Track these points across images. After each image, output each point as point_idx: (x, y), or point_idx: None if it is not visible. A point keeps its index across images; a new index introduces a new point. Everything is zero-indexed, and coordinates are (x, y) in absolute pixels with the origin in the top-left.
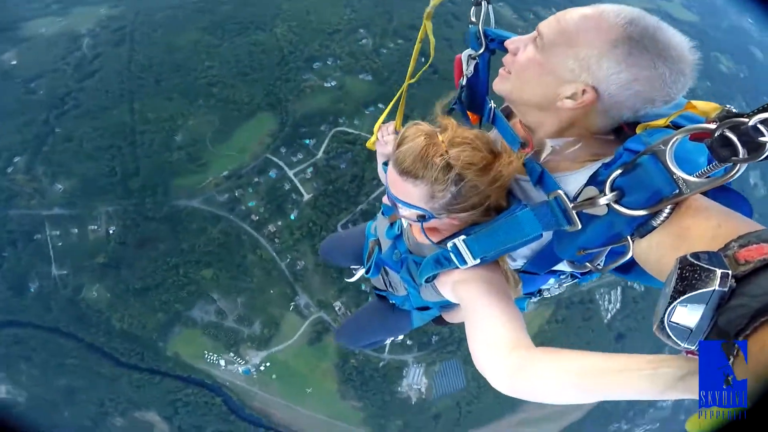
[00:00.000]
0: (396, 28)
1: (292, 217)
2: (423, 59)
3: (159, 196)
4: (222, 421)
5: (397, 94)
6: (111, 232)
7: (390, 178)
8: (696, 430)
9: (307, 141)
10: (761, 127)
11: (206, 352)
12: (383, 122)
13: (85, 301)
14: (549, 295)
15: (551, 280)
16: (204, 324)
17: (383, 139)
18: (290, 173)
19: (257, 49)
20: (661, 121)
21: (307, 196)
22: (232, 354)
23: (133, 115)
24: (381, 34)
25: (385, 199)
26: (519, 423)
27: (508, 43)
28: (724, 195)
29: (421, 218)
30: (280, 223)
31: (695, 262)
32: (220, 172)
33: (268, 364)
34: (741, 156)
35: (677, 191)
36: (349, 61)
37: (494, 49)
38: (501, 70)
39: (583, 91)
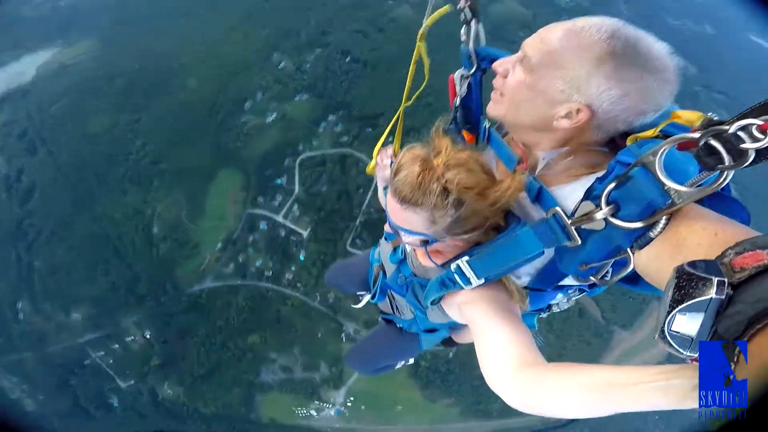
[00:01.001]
0: (307, 39)
1: (302, 258)
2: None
3: (171, 291)
4: None
5: (394, 118)
6: (148, 336)
7: (390, 207)
8: None
9: (279, 181)
10: (741, 134)
11: (294, 408)
12: (382, 146)
13: (167, 400)
14: (558, 310)
15: (559, 295)
16: (278, 384)
17: (382, 163)
18: (279, 219)
19: (179, 110)
20: (649, 132)
21: (305, 233)
22: (317, 402)
23: (98, 222)
24: (296, 52)
25: (387, 227)
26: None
27: (496, 66)
28: (721, 202)
29: (425, 243)
30: (293, 268)
31: (692, 271)
32: (214, 245)
33: (352, 398)
34: (727, 163)
35: (670, 202)
36: (278, 88)
37: (486, 68)
38: (493, 94)
39: (578, 111)
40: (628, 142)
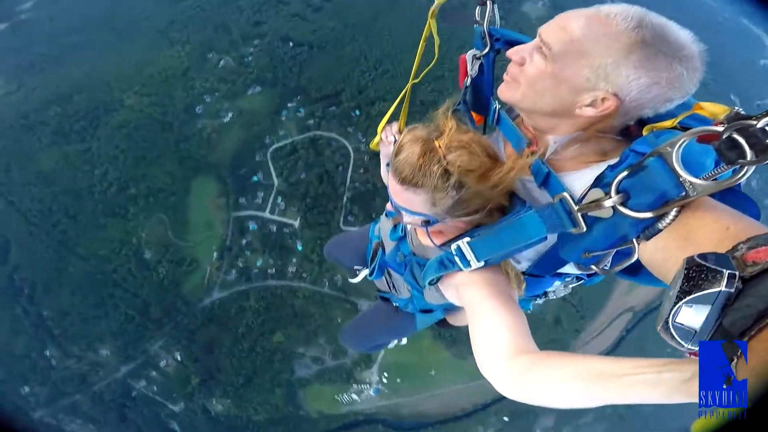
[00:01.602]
0: (241, 34)
1: (299, 248)
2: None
3: (184, 309)
4: None
5: (401, 95)
6: (179, 358)
7: (391, 187)
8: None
9: (255, 178)
10: None
11: (336, 396)
12: (387, 122)
13: (221, 414)
14: (554, 297)
15: (557, 282)
16: (314, 376)
17: (387, 139)
18: (266, 215)
19: (129, 130)
20: (668, 123)
21: (296, 223)
22: (354, 385)
23: (87, 261)
24: (232, 48)
25: (389, 206)
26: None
27: (511, 53)
28: (733, 197)
29: (425, 223)
30: (294, 260)
31: (702, 262)
32: (210, 257)
33: (385, 374)
34: (749, 158)
35: (684, 194)
36: (226, 87)
37: (499, 49)
38: (506, 77)
39: (603, 99)
40: (645, 131)
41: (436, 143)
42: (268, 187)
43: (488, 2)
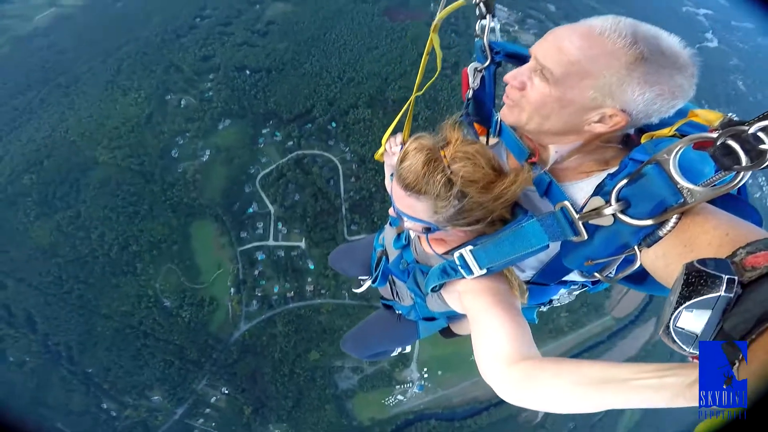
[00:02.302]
0: (193, 71)
1: (311, 266)
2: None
3: (217, 346)
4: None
5: (405, 107)
6: (227, 392)
7: (394, 192)
8: None
9: (250, 210)
10: (762, 135)
11: (383, 401)
12: (391, 134)
13: None
14: (558, 304)
15: (561, 290)
16: (357, 385)
17: (391, 150)
18: (271, 243)
19: (113, 188)
20: (665, 131)
21: (302, 244)
22: (398, 386)
23: (112, 320)
24: (188, 85)
25: (391, 211)
26: None
27: (509, 78)
28: (733, 203)
29: (427, 230)
30: (309, 279)
31: (701, 268)
32: (227, 293)
33: (425, 369)
34: (743, 164)
35: (682, 201)
36: (195, 126)
37: (500, 61)
38: (507, 101)
39: (611, 115)
40: (643, 139)
41: (442, 153)
42: (265, 216)
43: (488, 16)
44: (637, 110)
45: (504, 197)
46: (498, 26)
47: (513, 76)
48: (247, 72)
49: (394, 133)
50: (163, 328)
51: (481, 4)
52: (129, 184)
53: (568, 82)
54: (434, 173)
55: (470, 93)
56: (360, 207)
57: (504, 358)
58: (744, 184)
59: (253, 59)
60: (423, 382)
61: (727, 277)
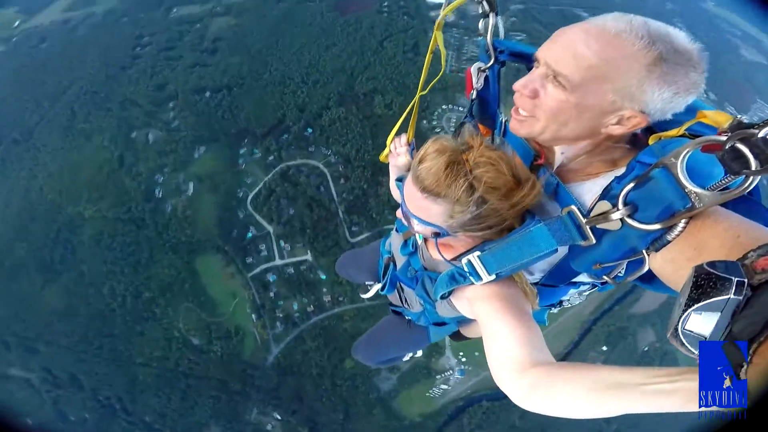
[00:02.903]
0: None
1: (323, 277)
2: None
3: (256, 373)
4: (510, 411)
5: (409, 106)
6: (279, 417)
7: (407, 192)
8: None
9: (249, 234)
10: None
11: (427, 393)
12: (396, 134)
13: None
14: (569, 305)
15: (571, 290)
16: (398, 384)
17: (396, 151)
18: (278, 262)
19: (107, 242)
20: (673, 131)
21: (308, 256)
22: (438, 376)
23: (149, 366)
24: (151, 118)
25: (398, 213)
26: None
27: (519, 87)
28: (745, 204)
29: (436, 235)
30: (324, 289)
31: (711, 270)
32: (250, 320)
33: (461, 353)
34: (753, 168)
35: (690, 205)
36: (171, 159)
37: (504, 61)
38: (517, 115)
39: (630, 117)
40: (651, 140)
41: (464, 156)
42: (265, 236)
43: (491, 15)
44: (655, 110)
45: (520, 205)
46: (501, 24)
47: (523, 84)
48: (207, 93)
49: (398, 133)
50: (200, 365)
51: (484, 2)
52: (122, 234)
53: (586, 87)
54: (457, 177)
55: (474, 93)
56: (356, 207)
57: (516, 364)
58: (756, 184)
59: (210, 79)
60: (463, 367)
61: (736, 279)
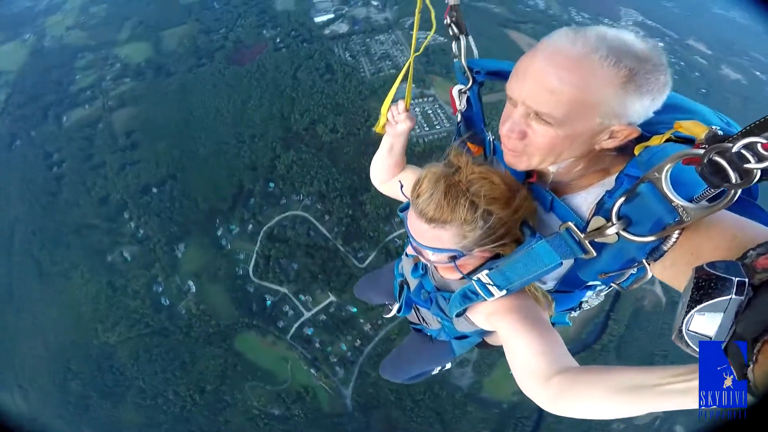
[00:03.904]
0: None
1: (354, 310)
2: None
3: (343, 420)
4: None
5: (403, 70)
6: None
7: (414, 228)
8: None
9: (268, 302)
10: (745, 153)
11: (510, 372)
12: (391, 102)
13: None
14: (588, 307)
15: (588, 293)
16: (475, 374)
17: (395, 119)
18: (308, 315)
19: (145, 357)
20: (657, 139)
21: (331, 297)
22: None
23: None
24: (113, 236)
25: (409, 249)
26: None
27: (506, 132)
28: (740, 205)
29: (452, 259)
30: (361, 320)
31: (711, 271)
32: (311, 376)
33: None
34: (734, 182)
35: (678, 219)
36: (157, 268)
37: (482, 81)
38: (510, 151)
39: (619, 131)
40: (636, 150)
41: (456, 178)
42: (284, 298)
43: (461, 36)
44: (639, 117)
45: (521, 210)
46: (474, 44)
47: (510, 129)
48: (154, 190)
49: (395, 101)
50: (293, 431)
51: (452, 26)
52: (155, 346)
53: (572, 119)
54: (457, 199)
55: (458, 116)
56: (351, 234)
57: (539, 375)
58: (756, 185)
59: (148, 174)
60: None
61: (737, 279)
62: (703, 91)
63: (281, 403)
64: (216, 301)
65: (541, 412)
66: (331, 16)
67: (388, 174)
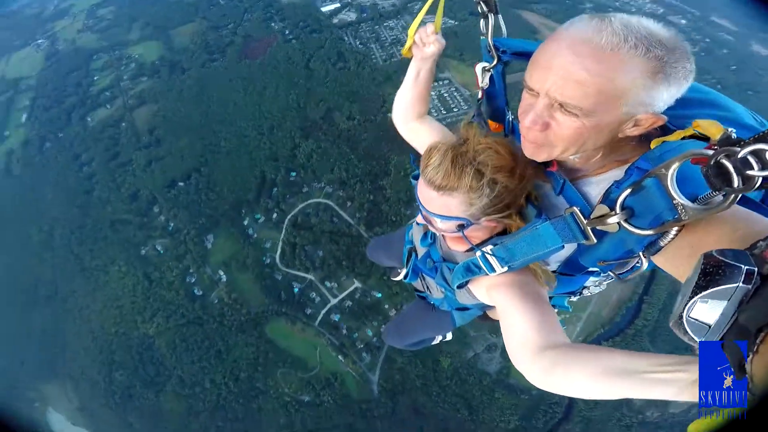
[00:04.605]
0: (135, 213)
1: (379, 295)
2: None
3: (371, 405)
4: None
5: None
6: None
7: (423, 196)
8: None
9: (296, 290)
10: (750, 159)
11: None
12: (419, 25)
13: None
14: (589, 294)
15: (591, 279)
16: (503, 358)
17: (421, 41)
18: (334, 301)
19: (184, 347)
20: (674, 135)
21: (356, 283)
22: None
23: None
24: (146, 231)
25: (419, 218)
26: None
27: (529, 124)
28: (741, 198)
29: (460, 227)
30: (386, 306)
31: (720, 258)
32: (338, 362)
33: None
34: (736, 186)
35: (677, 216)
36: (188, 259)
37: (507, 61)
38: (530, 143)
39: (644, 119)
40: (653, 144)
41: (464, 148)
42: (311, 285)
43: (490, 15)
44: (665, 105)
45: (526, 179)
46: (503, 23)
47: (533, 120)
48: (180, 183)
49: (423, 24)
50: (322, 418)
51: (482, 2)
52: (191, 336)
53: (599, 110)
54: (464, 168)
55: (480, 93)
56: (373, 219)
57: (531, 346)
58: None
59: (172, 169)
60: (565, 315)
61: (746, 268)
62: (734, 67)
63: (311, 390)
64: (246, 289)
65: (571, 399)
66: (338, 5)
67: (410, 109)
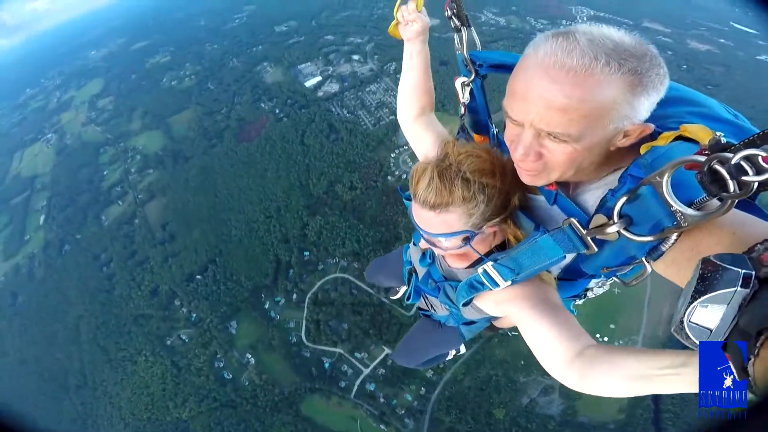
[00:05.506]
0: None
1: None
2: None
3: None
4: None
5: None
6: None
7: (421, 219)
8: None
9: (326, 365)
10: (744, 165)
11: None
12: (401, 3)
13: None
14: (593, 295)
15: (592, 281)
16: (562, 398)
17: (404, 19)
18: (366, 371)
19: (221, 430)
20: (662, 139)
21: (386, 350)
22: None
23: None
24: (169, 323)
25: (422, 244)
26: None
27: (521, 158)
28: (739, 202)
29: (466, 240)
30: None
31: (718, 262)
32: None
33: (597, 335)
34: (732, 191)
35: (676, 223)
36: (215, 344)
37: (485, 74)
38: (526, 171)
39: (632, 130)
40: (642, 149)
41: (446, 162)
42: (340, 358)
43: (463, 29)
44: (648, 113)
45: (510, 172)
46: (476, 36)
47: (524, 153)
48: (198, 276)
49: (404, 2)
50: None
51: (453, 17)
52: (226, 419)
53: (587, 132)
54: (452, 180)
55: (461, 108)
56: (378, 235)
57: (561, 360)
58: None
59: (189, 264)
60: (616, 342)
61: (743, 272)
62: (685, 67)
63: None
64: (276, 369)
65: (659, 424)
66: (319, 78)
67: (413, 101)
